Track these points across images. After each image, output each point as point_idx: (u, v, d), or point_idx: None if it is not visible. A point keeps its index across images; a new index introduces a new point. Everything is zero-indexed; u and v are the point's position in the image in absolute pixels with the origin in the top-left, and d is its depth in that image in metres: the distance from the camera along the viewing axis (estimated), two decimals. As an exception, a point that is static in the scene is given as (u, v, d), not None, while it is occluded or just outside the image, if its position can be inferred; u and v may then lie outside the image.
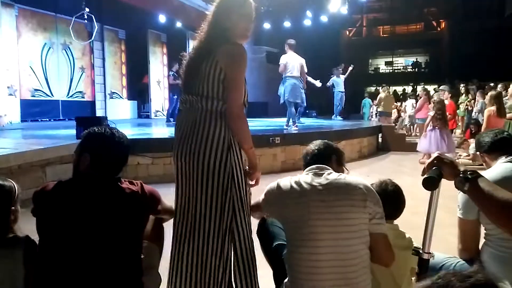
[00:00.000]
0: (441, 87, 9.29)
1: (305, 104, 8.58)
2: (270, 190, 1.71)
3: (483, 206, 1.15)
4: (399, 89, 24.27)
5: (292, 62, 7.84)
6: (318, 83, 9.69)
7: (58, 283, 1.41)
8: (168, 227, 1.95)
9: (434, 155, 1.25)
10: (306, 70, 8.11)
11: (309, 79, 9.44)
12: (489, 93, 6.16)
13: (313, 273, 1.50)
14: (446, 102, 8.46)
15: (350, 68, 11.57)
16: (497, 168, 1.78)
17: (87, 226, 1.44)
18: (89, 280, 1.41)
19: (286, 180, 1.68)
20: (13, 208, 1.51)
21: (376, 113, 14.24)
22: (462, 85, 12.53)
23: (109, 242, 1.45)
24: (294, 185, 1.62)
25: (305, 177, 1.66)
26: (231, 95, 1.79)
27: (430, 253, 1.24)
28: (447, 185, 1.28)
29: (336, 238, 1.49)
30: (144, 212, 1.58)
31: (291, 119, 8.06)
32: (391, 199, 1.87)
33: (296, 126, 8.00)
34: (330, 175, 1.62)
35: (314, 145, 1.83)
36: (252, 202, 1.93)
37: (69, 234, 1.43)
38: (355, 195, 1.54)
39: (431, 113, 7.11)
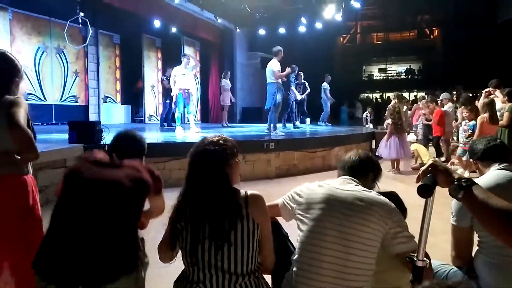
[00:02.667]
0: (442, 95, 9.17)
1: (283, 109, 8.61)
2: (297, 191, 1.73)
3: (477, 214, 1.15)
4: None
5: (267, 69, 8.09)
6: (298, 96, 9.90)
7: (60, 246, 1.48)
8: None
9: (428, 162, 1.25)
10: (276, 71, 8.00)
11: (293, 89, 9.68)
12: (482, 100, 6.21)
13: (314, 273, 1.53)
14: (445, 109, 8.47)
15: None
16: (490, 175, 1.80)
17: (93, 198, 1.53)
18: (90, 249, 1.45)
19: (314, 185, 1.71)
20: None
21: (371, 120, 14.28)
22: (453, 92, 12.58)
23: (115, 215, 1.53)
24: (319, 190, 1.66)
25: (333, 183, 1.68)
26: None
27: (424, 260, 1.24)
28: (440, 193, 1.28)
29: (342, 249, 1.53)
30: (148, 188, 1.65)
31: (271, 125, 8.16)
32: None
33: (268, 130, 8.14)
34: (357, 188, 1.65)
35: (355, 155, 1.83)
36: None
37: (77, 201, 1.53)
38: (375, 212, 1.54)
39: (389, 121, 7.24)
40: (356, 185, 1.68)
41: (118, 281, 1.44)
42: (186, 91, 8.86)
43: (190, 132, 8.59)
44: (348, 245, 1.52)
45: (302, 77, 11.15)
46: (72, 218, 1.50)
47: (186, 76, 8.95)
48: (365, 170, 1.78)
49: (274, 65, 7.99)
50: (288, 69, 8.26)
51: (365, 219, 1.53)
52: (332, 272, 1.51)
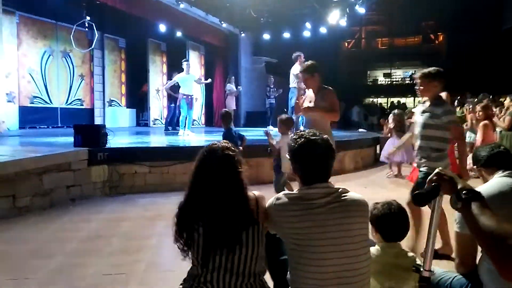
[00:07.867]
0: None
1: None
2: (270, 205, 1.61)
3: (469, 227, 1.16)
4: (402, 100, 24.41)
5: None
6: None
7: None
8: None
9: (435, 171, 1.25)
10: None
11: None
12: (480, 106, 6.21)
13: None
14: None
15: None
16: (494, 182, 1.79)
17: None
18: None
19: (284, 195, 1.60)
20: None
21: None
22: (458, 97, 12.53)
23: None
24: (296, 199, 1.55)
25: (307, 191, 1.57)
26: None
27: (431, 271, 1.24)
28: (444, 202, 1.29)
29: (342, 257, 1.45)
30: None
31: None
32: (396, 221, 1.86)
33: None
34: (334, 189, 1.56)
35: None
36: None
37: None
38: (360, 210, 1.53)
39: (391, 125, 7.35)
40: (331, 187, 1.60)
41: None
42: (189, 97, 8.97)
43: (180, 133, 8.90)
44: (346, 255, 1.46)
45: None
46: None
47: (188, 82, 9.04)
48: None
49: (293, 70, 8.39)
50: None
51: (353, 221, 1.50)
52: (339, 286, 1.45)
